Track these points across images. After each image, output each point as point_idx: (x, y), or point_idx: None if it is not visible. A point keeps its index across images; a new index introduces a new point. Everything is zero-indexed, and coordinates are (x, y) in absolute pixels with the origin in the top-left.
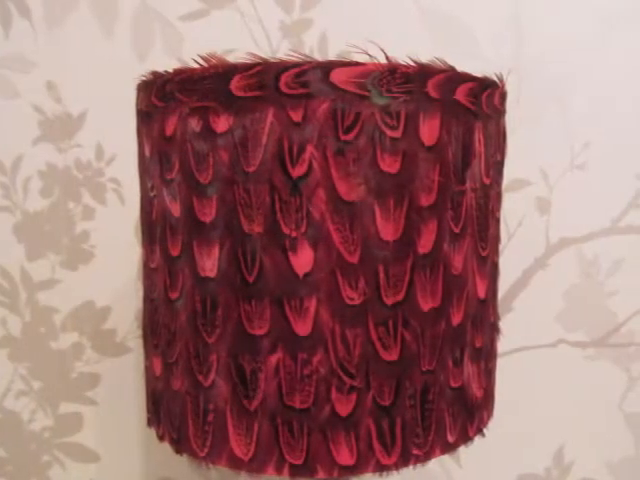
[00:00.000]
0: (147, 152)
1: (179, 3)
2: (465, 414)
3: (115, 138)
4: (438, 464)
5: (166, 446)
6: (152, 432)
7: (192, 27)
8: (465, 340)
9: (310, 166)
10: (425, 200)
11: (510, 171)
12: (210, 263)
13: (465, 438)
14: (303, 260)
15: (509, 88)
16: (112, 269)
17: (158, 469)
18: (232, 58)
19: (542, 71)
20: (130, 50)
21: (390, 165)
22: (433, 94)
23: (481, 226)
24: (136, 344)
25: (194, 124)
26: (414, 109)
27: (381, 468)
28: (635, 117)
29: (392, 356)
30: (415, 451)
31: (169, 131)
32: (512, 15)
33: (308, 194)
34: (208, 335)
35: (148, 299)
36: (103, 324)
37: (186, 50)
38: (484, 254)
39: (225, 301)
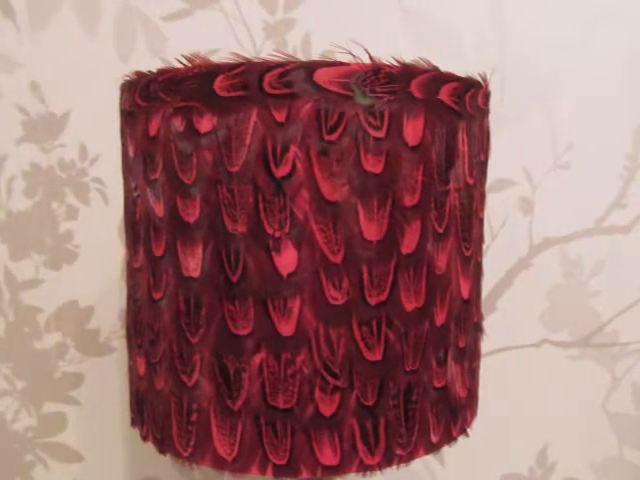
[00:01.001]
0: (131, 152)
1: (162, 3)
2: (449, 414)
3: (99, 138)
4: (422, 464)
5: (150, 446)
6: (136, 432)
7: (175, 27)
8: (449, 340)
9: (294, 166)
10: (409, 200)
11: (494, 171)
12: (194, 263)
13: (449, 438)
14: (287, 260)
15: (493, 88)
16: (96, 269)
17: (142, 469)
18: (215, 58)
19: (526, 71)
20: (113, 50)
21: (374, 165)
22: (417, 94)
23: (465, 226)
24: (120, 344)
25: (178, 124)
26: (398, 109)
27: (364, 468)
28: (618, 117)
29: (376, 356)
30: (398, 451)
31: (153, 131)
32: (496, 15)
33: (292, 194)
34: (192, 335)
35: (132, 299)
36: (87, 324)
37: (169, 50)
38: (468, 254)
39: (209, 301)
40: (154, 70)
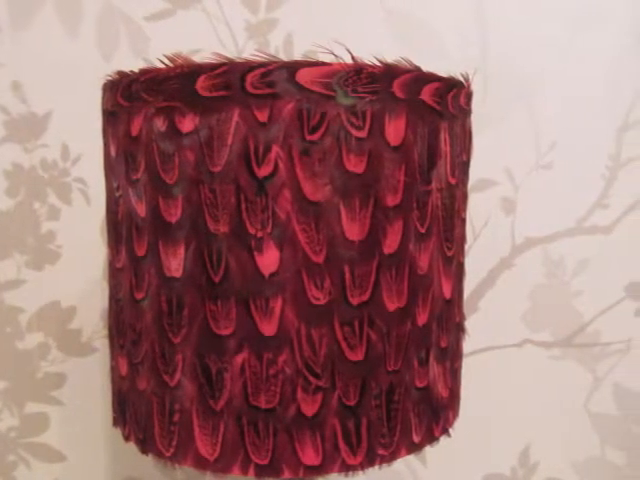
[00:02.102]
0: (113, 152)
1: (144, 3)
2: (431, 414)
3: (81, 138)
4: (404, 464)
5: (132, 446)
6: (118, 432)
7: (157, 27)
8: (431, 340)
9: (276, 166)
10: (391, 200)
11: (476, 171)
12: (176, 263)
13: (431, 438)
14: (269, 260)
15: (475, 88)
16: (78, 269)
17: (124, 469)
18: (198, 58)
19: (508, 71)
20: (95, 50)
21: (356, 165)
22: (399, 94)
23: (447, 226)
24: (102, 344)
25: (160, 124)
26: (380, 109)
27: (347, 468)
28: (600, 117)
29: (358, 356)
30: (381, 451)
31: (135, 131)
32: (478, 15)
33: (274, 194)
34: (174, 335)
35: (114, 299)
36: (69, 324)
37: (152, 50)
38: (450, 254)
39: (191, 301)
40: (136, 70)
